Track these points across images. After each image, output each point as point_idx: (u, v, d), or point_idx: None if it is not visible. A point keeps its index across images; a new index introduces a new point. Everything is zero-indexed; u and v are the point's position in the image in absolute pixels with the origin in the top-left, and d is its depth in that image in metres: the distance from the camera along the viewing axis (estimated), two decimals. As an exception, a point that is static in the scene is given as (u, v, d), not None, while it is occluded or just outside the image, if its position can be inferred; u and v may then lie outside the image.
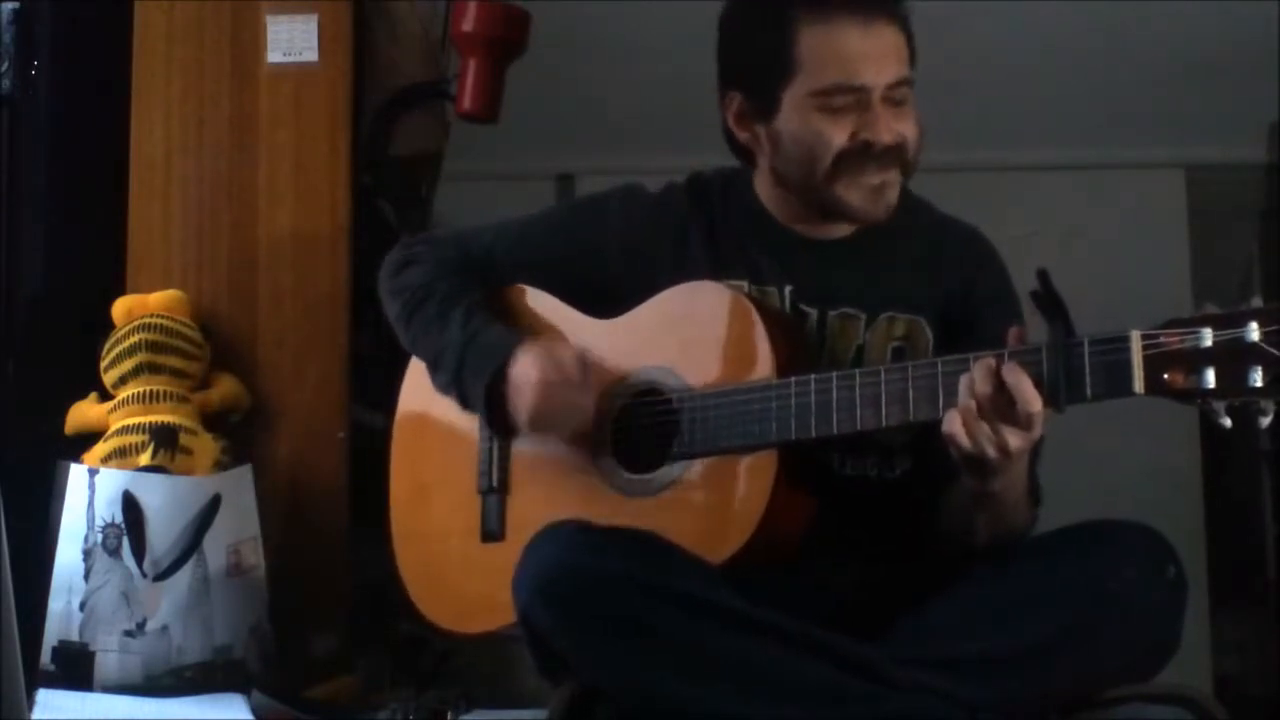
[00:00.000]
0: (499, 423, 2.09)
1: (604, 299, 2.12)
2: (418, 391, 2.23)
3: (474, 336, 2.10)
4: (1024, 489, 1.89)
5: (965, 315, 1.93)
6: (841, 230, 2.09)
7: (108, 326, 2.62)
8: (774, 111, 2.04)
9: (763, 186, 2.13)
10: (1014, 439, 1.76)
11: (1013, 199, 3.74)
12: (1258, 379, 1.64)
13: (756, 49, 2.05)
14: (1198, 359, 1.66)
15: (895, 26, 2.01)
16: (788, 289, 2.07)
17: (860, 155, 1.99)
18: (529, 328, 2.15)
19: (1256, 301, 1.67)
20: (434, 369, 2.15)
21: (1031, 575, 1.86)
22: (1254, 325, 1.64)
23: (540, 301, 2.19)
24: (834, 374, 1.90)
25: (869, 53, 1.98)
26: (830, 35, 1.99)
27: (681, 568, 1.87)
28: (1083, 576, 1.82)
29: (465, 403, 2.11)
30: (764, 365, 1.96)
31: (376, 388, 2.46)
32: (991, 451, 1.76)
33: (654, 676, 1.81)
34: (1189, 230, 3.80)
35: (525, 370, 2.04)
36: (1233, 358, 1.65)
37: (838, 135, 1.99)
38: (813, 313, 2.06)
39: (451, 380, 2.11)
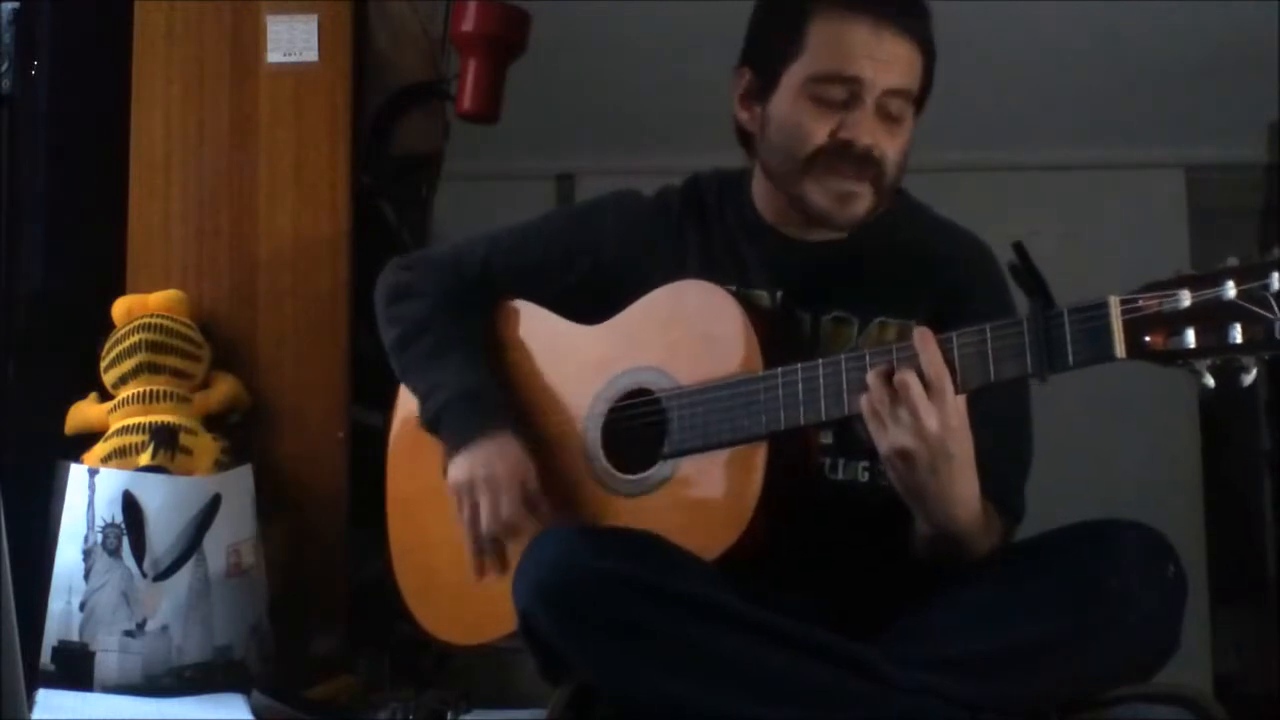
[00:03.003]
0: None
1: (599, 305, 2.12)
2: (413, 403, 2.23)
3: (466, 394, 2.12)
4: (979, 529, 1.89)
5: (960, 324, 1.93)
6: (834, 233, 2.08)
7: (108, 326, 2.62)
8: (772, 91, 2.05)
9: (758, 187, 2.13)
10: (927, 419, 1.77)
11: (1013, 199, 3.75)
12: (1237, 336, 1.64)
13: (773, 25, 2.07)
14: (1177, 320, 1.67)
15: (909, 41, 2.00)
16: (779, 293, 2.07)
17: (835, 155, 1.99)
18: (522, 351, 2.18)
19: (1232, 260, 1.67)
20: (421, 401, 2.18)
21: (1031, 575, 1.85)
22: (1230, 283, 1.65)
23: (531, 317, 2.19)
24: (819, 361, 1.89)
25: (873, 53, 1.98)
26: (841, 26, 2.00)
27: (681, 568, 1.87)
28: (1082, 576, 1.82)
29: (437, 437, 2.15)
30: (751, 359, 1.96)
31: (376, 388, 2.46)
32: (905, 437, 1.78)
33: (654, 677, 1.81)
34: (1189, 230, 3.81)
35: (489, 456, 2.07)
36: (1212, 316, 1.65)
37: (818, 131, 1.99)
38: (805, 316, 2.06)
39: (429, 423, 2.15)
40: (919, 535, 1.91)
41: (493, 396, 2.13)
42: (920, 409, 1.78)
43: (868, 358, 1.85)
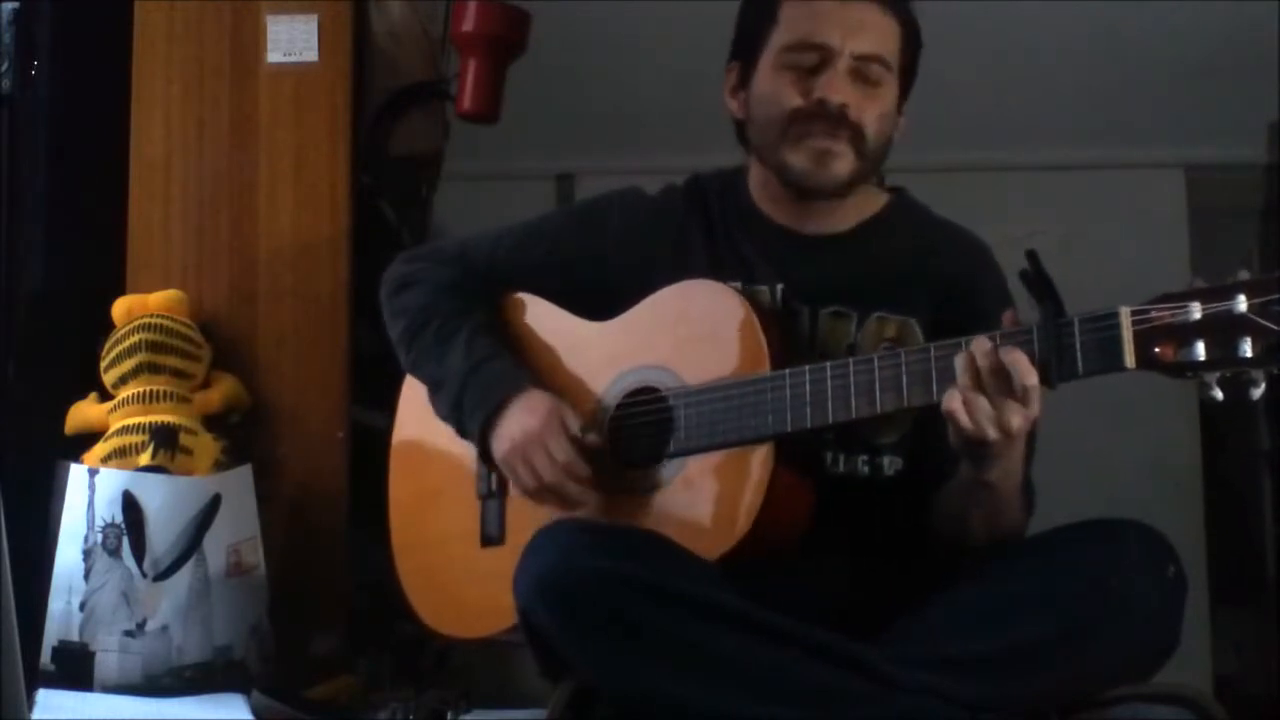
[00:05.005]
0: (489, 457, 2.11)
1: (604, 302, 2.12)
2: (416, 400, 2.23)
3: (476, 368, 2.10)
4: (1020, 482, 1.90)
5: (958, 323, 1.93)
6: (834, 226, 2.09)
7: (108, 326, 2.62)
8: (752, 73, 2.09)
9: (755, 181, 2.14)
10: (1014, 416, 1.76)
11: (1013, 199, 3.75)
12: (1247, 349, 1.65)
13: (750, 14, 2.12)
14: (1187, 332, 1.68)
15: (879, 8, 2.04)
16: (779, 287, 2.07)
17: (810, 116, 2.01)
18: (529, 345, 2.17)
19: (1244, 274, 1.68)
20: (434, 394, 2.17)
21: (1031, 574, 1.85)
22: (1242, 297, 1.66)
23: (539, 311, 2.19)
24: (827, 364, 1.90)
25: (841, 19, 2.03)
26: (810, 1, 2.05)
27: (682, 567, 1.87)
28: (1082, 576, 1.82)
29: (462, 432, 2.13)
30: (759, 360, 1.96)
31: (376, 388, 2.46)
32: (992, 431, 1.76)
33: (654, 676, 1.81)
34: (1189, 230, 3.81)
35: (521, 416, 2.05)
36: (1222, 329, 1.66)
37: (792, 95, 2.03)
38: (804, 311, 2.06)
39: (451, 410, 2.13)
40: (963, 491, 1.90)
41: (504, 360, 2.12)
42: (1009, 407, 1.76)
43: (875, 361, 1.86)
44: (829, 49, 2.01)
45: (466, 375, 2.10)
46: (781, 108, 2.03)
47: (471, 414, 2.09)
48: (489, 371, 2.10)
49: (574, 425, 2.04)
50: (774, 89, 2.05)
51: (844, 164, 2.03)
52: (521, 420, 2.05)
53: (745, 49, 2.11)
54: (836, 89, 2.00)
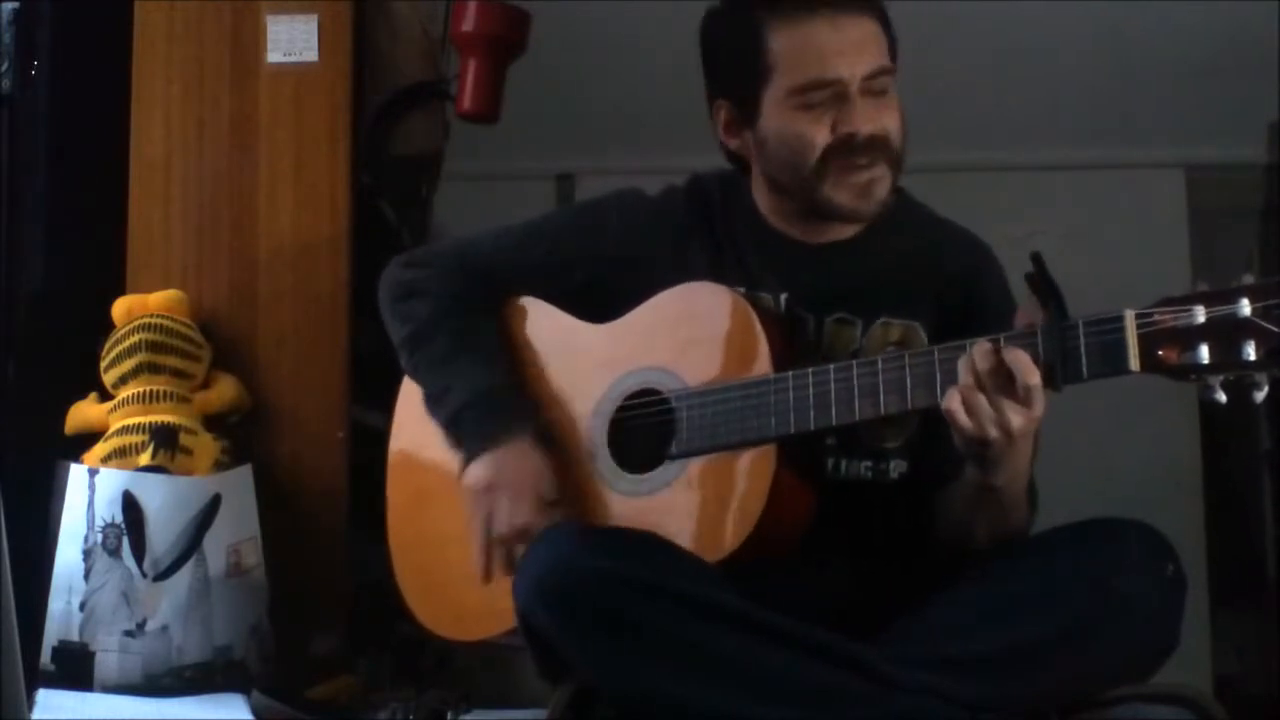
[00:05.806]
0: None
1: (603, 304, 2.12)
2: (414, 401, 2.23)
3: (487, 392, 2.10)
4: (1025, 486, 1.90)
5: (962, 324, 1.93)
6: (838, 234, 2.08)
7: (108, 326, 2.62)
8: (756, 114, 2.04)
9: (759, 191, 2.13)
10: (1015, 416, 1.76)
11: (1013, 199, 3.75)
12: (1251, 353, 1.66)
13: (733, 55, 2.06)
14: (1191, 335, 1.68)
15: (867, 18, 2.01)
16: (783, 295, 2.06)
17: (845, 150, 1.98)
18: (530, 348, 2.17)
19: (1247, 278, 1.68)
20: (433, 400, 2.16)
21: (1031, 574, 1.86)
22: (1245, 301, 1.67)
23: (539, 314, 2.18)
24: (830, 366, 1.90)
25: (841, 46, 1.99)
26: (800, 33, 2.00)
27: (681, 568, 1.87)
28: (1082, 575, 1.82)
29: (454, 444, 2.12)
30: (761, 362, 1.96)
31: (376, 388, 2.46)
32: (993, 430, 1.76)
33: (654, 677, 1.81)
34: (1189, 230, 3.81)
35: (504, 463, 2.05)
36: (1226, 333, 1.67)
37: (819, 133, 1.99)
38: (808, 318, 2.05)
39: (449, 421, 2.12)
40: (968, 494, 1.90)
41: (514, 399, 2.11)
42: (1009, 407, 1.77)
43: (879, 363, 1.86)
44: (841, 81, 1.98)
45: (470, 400, 2.09)
46: (811, 148, 1.99)
47: (470, 437, 2.09)
48: (498, 403, 2.09)
49: (551, 495, 2.04)
50: (794, 131, 2.00)
51: (884, 186, 2.02)
52: (502, 468, 2.05)
53: (736, 90, 2.06)
54: (862, 119, 1.98)
